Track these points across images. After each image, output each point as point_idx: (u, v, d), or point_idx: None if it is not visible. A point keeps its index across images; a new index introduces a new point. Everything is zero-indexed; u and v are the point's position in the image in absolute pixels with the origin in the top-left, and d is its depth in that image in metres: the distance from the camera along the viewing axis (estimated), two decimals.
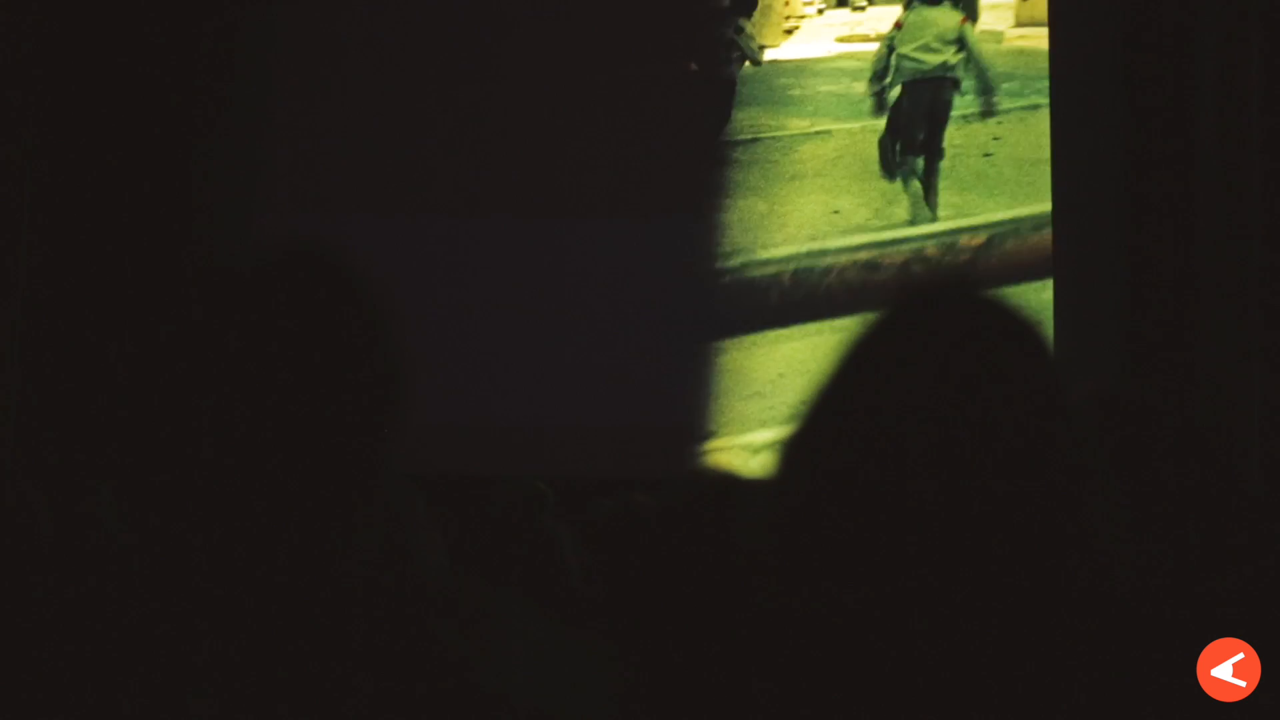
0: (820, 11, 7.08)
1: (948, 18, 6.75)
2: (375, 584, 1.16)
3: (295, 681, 1.13)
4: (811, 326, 6.72)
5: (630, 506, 3.12)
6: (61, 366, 6.42)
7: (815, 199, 6.94)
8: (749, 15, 7.05)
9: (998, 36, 6.89)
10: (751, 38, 7.01)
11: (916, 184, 6.80)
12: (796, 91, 7.05)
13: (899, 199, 6.83)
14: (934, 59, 6.75)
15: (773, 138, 7.00)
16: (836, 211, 6.92)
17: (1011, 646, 1.02)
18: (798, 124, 7.02)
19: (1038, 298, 6.27)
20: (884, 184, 6.86)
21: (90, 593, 1.21)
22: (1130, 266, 5.92)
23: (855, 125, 6.98)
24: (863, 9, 7.02)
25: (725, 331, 6.85)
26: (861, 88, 6.98)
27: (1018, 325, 1.09)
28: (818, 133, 7.00)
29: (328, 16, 7.21)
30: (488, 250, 6.99)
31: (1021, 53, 6.80)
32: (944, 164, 6.78)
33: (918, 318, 1.09)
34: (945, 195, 6.74)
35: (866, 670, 1.03)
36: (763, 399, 6.72)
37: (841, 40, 7.08)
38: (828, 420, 1.07)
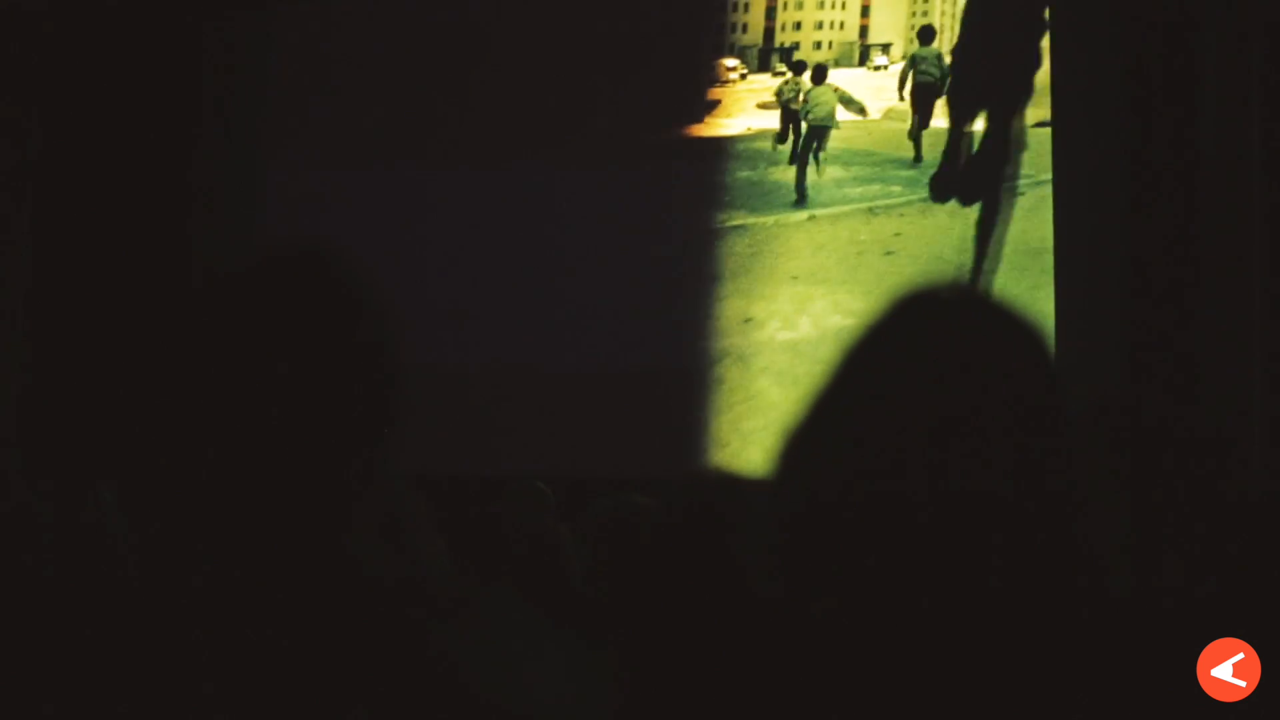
0: (743, 76, 7.10)
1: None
2: (376, 585, 1.17)
3: (296, 682, 1.13)
4: None
5: (631, 508, 3.12)
6: (64, 369, 6.41)
7: (729, 304, 6.85)
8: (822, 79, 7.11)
9: (901, 114, 6.98)
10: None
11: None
12: (716, 177, 6.99)
13: (808, 306, 6.79)
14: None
15: (688, 232, 6.90)
16: (748, 320, 6.83)
17: (1012, 648, 1.02)
18: (716, 216, 6.95)
19: (1038, 302, 6.26)
20: (795, 288, 6.82)
21: (92, 594, 1.21)
22: (1131, 272, 5.92)
23: (769, 219, 6.93)
24: (784, 74, 7.08)
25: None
26: (777, 174, 6.96)
27: (1018, 330, 1.09)
28: (734, 227, 6.93)
29: (327, 27, 7.19)
30: (481, 260, 6.94)
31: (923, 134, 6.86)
32: (848, 263, 6.80)
33: (917, 324, 1.09)
34: (849, 300, 6.72)
35: (866, 673, 1.03)
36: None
37: (763, 107, 7.07)
38: (827, 425, 1.08)
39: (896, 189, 6.84)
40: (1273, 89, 5.32)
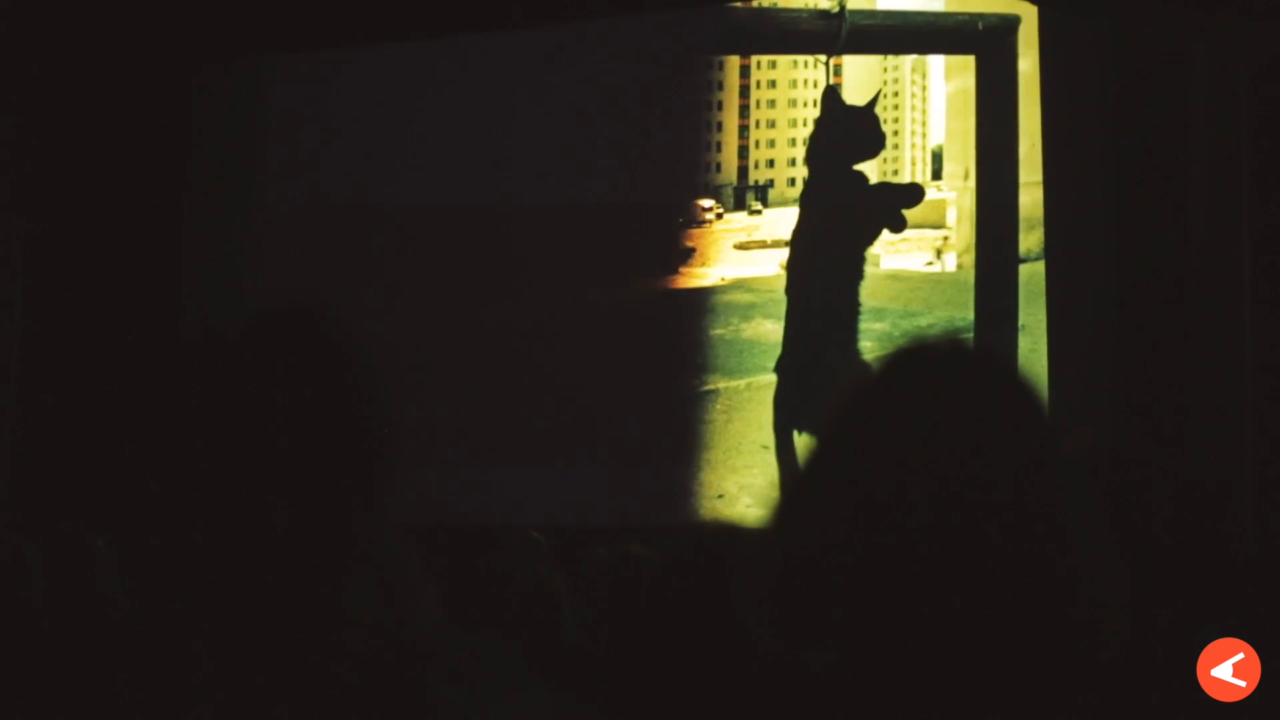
0: (719, 216, 7.00)
1: None
2: (369, 636, 1.17)
3: None
4: None
5: (626, 557, 3.11)
6: (57, 427, 6.40)
7: (701, 478, 6.69)
8: None
9: (874, 260, 6.79)
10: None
11: None
12: (688, 337, 6.87)
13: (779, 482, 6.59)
14: None
15: (661, 397, 6.70)
16: (721, 496, 6.67)
17: (1011, 700, 1.02)
18: (690, 380, 6.76)
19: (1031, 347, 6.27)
20: (767, 458, 6.65)
21: (84, 648, 1.21)
22: (1123, 316, 5.94)
23: (741, 382, 6.78)
24: (759, 213, 6.99)
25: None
26: (749, 331, 6.84)
27: (1010, 376, 1.10)
28: (706, 391, 6.77)
29: (318, 92, 7.15)
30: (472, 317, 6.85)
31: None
32: None
33: (909, 372, 1.09)
34: None
35: None
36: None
37: (740, 247, 6.93)
38: (823, 475, 1.08)
39: (868, 344, 6.70)
40: (1262, 145, 5.35)
